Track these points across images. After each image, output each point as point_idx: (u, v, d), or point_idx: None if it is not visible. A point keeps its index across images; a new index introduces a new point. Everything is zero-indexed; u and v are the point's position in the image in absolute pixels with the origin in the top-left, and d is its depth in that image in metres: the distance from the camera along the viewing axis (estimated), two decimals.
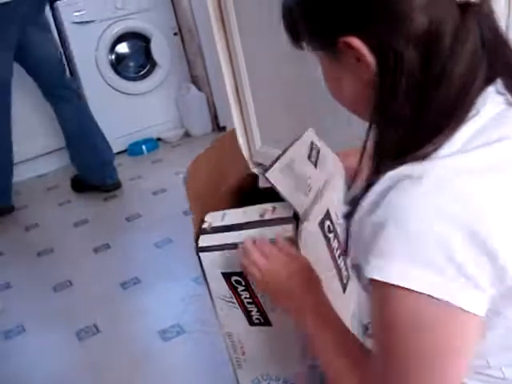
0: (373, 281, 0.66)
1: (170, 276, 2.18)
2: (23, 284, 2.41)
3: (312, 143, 1.30)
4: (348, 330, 0.90)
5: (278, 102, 2.48)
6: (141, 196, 3.07)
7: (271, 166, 1.13)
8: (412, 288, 0.63)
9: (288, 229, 1.11)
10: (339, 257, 1.25)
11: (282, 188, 1.12)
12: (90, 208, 3.05)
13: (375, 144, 0.72)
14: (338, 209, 1.31)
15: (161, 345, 1.81)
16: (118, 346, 1.88)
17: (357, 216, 0.72)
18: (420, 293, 0.63)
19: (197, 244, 1.18)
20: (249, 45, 2.54)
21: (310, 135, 1.33)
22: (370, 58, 0.68)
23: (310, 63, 1.89)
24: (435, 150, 0.66)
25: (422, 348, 0.67)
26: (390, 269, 0.65)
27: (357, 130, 0.79)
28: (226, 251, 1.15)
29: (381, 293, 0.67)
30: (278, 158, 1.17)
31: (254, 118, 2.69)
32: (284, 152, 1.23)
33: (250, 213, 1.18)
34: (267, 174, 1.10)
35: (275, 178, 1.11)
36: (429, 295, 0.63)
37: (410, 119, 0.68)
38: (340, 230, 1.29)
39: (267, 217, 1.15)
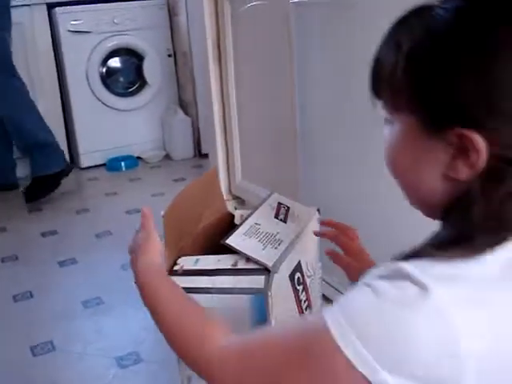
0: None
1: (135, 301, 2.12)
2: None
3: (279, 203, 1.31)
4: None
5: (263, 140, 2.48)
6: (114, 213, 3.03)
7: (230, 234, 1.15)
8: (352, 362, 0.60)
9: (259, 280, 1.11)
10: (306, 309, 1.24)
11: (245, 248, 1.13)
12: (60, 219, 2.99)
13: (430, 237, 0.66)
14: (310, 260, 1.31)
15: (116, 371, 1.77)
16: (73, 366, 1.83)
17: None
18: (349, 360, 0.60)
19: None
20: (242, 78, 2.55)
21: (275, 198, 1.35)
22: (482, 161, 0.60)
23: (302, 107, 1.90)
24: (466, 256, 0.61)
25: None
26: (349, 335, 0.61)
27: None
28: (193, 295, 1.13)
29: (320, 330, 0.63)
30: (238, 226, 1.19)
31: (238, 151, 2.68)
32: (246, 219, 1.24)
33: (224, 261, 1.17)
34: (227, 241, 1.12)
35: (235, 242, 1.14)
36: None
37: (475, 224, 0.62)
38: (310, 281, 1.28)
39: (240, 266, 1.14)
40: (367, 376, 0.59)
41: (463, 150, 0.60)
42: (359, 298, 0.63)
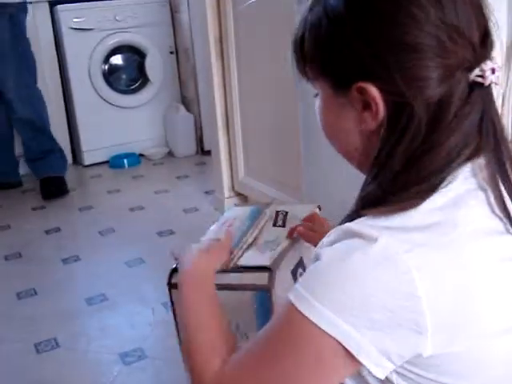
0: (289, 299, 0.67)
1: (139, 298, 2.15)
2: None
3: (277, 212, 1.31)
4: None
5: (266, 136, 2.48)
6: (117, 210, 3.04)
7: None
8: (323, 328, 0.64)
9: (263, 277, 1.11)
10: None
11: (246, 261, 1.13)
12: (63, 216, 3.00)
13: (359, 192, 0.73)
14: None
15: (120, 368, 1.78)
16: (77, 363, 1.83)
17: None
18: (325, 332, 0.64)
19: (169, 279, 1.16)
20: (245, 74, 2.55)
21: (272, 208, 1.34)
22: (381, 109, 0.68)
23: (305, 104, 1.90)
24: (400, 211, 0.66)
25: (288, 368, 0.68)
26: (311, 302, 0.65)
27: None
28: None
29: (288, 311, 0.67)
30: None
31: (241, 148, 2.69)
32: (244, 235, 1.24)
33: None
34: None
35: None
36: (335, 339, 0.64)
37: (394, 176, 0.69)
38: None
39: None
40: (335, 336, 0.63)
41: (366, 103, 0.69)
42: (314, 267, 0.67)
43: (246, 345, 0.76)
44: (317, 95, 0.78)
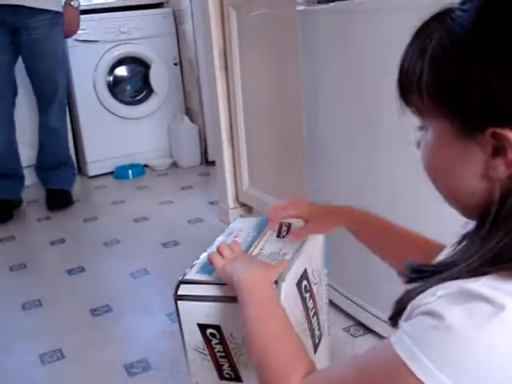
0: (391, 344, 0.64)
1: (144, 309, 2.15)
2: None
3: (281, 223, 1.32)
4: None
5: (270, 147, 2.49)
6: (121, 221, 3.04)
7: None
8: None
9: None
10: (313, 316, 1.25)
11: None
12: (68, 227, 3.01)
13: (478, 244, 0.64)
14: (316, 267, 1.31)
15: (125, 379, 1.77)
16: (82, 375, 1.83)
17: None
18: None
19: (176, 291, 1.17)
20: (249, 86, 2.56)
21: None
22: None
23: (309, 116, 1.91)
24: None
25: None
26: (429, 366, 0.60)
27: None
28: (205, 303, 1.14)
29: (394, 360, 0.63)
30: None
31: (245, 158, 2.69)
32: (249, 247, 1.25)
33: None
34: None
35: None
36: None
37: None
38: (316, 288, 1.28)
39: None
40: None
41: (500, 149, 0.60)
42: (435, 328, 0.60)
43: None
44: (422, 128, 0.70)
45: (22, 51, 3.03)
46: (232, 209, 2.80)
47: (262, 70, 2.43)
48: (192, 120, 3.94)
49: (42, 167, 3.34)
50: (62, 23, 3.07)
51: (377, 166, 1.67)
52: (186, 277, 1.18)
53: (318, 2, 1.77)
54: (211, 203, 3.09)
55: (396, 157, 1.58)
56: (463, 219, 0.73)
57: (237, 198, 2.80)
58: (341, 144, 1.81)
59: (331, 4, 1.70)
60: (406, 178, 1.56)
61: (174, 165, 3.93)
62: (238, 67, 2.57)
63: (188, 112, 4.04)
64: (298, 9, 1.86)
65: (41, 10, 2.92)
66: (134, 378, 1.77)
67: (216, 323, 1.13)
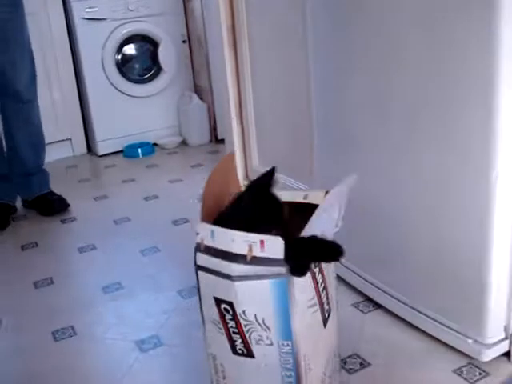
0: None
1: (154, 286, 2.16)
2: (3, 276, 2.38)
3: None
4: None
5: (280, 125, 2.48)
6: (131, 199, 3.05)
7: None
8: None
9: (281, 270, 1.12)
10: (323, 291, 1.25)
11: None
12: (78, 206, 3.02)
13: None
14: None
15: (137, 355, 1.79)
16: (94, 351, 1.85)
17: None
18: None
19: (195, 260, 1.19)
20: (258, 63, 2.55)
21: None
22: None
23: (318, 92, 1.89)
24: None
25: None
26: None
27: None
28: (219, 278, 1.15)
29: None
30: None
31: (254, 136, 2.69)
32: None
33: (238, 242, 1.15)
34: None
35: None
36: None
37: None
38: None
39: (255, 253, 1.14)
40: None
41: None
42: None
43: None
44: None
45: None
46: (242, 186, 2.80)
47: (270, 46, 2.41)
48: (201, 98, 3.92)
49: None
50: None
51: (388, 142, 1.66)
52: (197, 240, 1.19)
53: None
54: None
55: (407, 144, 1.57)
56: None
57: (247, 175, 2.79)
58: (350, 121, 1.80)
59: None
60: (414, 165, 1.56)
61: (184, 143, 3.92)
62: (246, 44, 2.56)
63: (197, 90, 4.02)
64: None
65: None
66: (145, 353, 1.79)
67: (229, 299, 1.15)
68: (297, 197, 1.36)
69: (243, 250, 1.14)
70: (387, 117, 1.63)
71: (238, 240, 1.15)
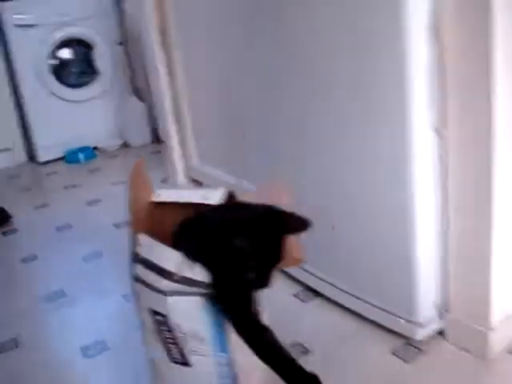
0: None
1: (98, 291, 2.16)
2: None
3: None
4: None
5: (214, 123, 2.49)
6: (74, 206, 3.03)
7: None
8: None
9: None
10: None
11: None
12: (19, 216, 2.97)
13: None
14: None
15: (82, 361, 1.79)
16: (39, 360, 1.84)
17: None
18: None
19: (132, 270, 1.20)
20: (189, 61, 2.56)
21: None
22: None
23: (247, 90, 1.92)
24: None
25: None
26: None
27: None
28: (153, 292, 1.16)
29: None
30: None
31: (191, 135, 2.70)
32: None
33: (170, 259, 1.16)
34: None
35: None
36: None
37: None
38: None
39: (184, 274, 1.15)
40: None
41: None
42: None
43: None
44: None
45: None
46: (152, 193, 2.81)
47: (201, 46, 2.43)
48: (140, 98, 3.91)
49: None
50: None
51: (310, 132, 1.70)
52: (137, 250, 1.20)
53: None
54: (163, 181, 3.09)
55: (329, 136, 1.61)
56: None
57: (187, 174, 2.81)
58: (276, 121, 1.84)
59: None
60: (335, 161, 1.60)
61: (125, 145, 3.91)
62: (177, 46, 2.57)
63: (136, 91, 4.00)
64: None
65: None
66: (91, 359, 1.79)
67: (163, 312, 1.16)
68: (194, 196, 1.31)
69: (173, 269, 1.15)
70: (309, 114, 1.67)
71: (170, 257, 1.16)
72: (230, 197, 1.27)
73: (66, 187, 3.32)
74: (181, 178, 2.81)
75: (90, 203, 3.02)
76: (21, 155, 3.87)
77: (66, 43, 3.80)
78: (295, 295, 1.91)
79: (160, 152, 3.63)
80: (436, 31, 1.31)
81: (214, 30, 2.26)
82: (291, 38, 1.66)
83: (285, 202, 1.18)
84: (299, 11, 1.58)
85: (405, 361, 1.53)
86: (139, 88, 3.96)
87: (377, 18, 1.35)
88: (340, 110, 1.56)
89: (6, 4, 3.52)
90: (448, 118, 1.37)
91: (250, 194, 1.28)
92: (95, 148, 3.86)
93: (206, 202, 1.25)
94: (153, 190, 1.36)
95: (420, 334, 1.56)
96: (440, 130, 1.38)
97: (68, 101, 3.82)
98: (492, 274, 1.41)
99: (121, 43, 3.94)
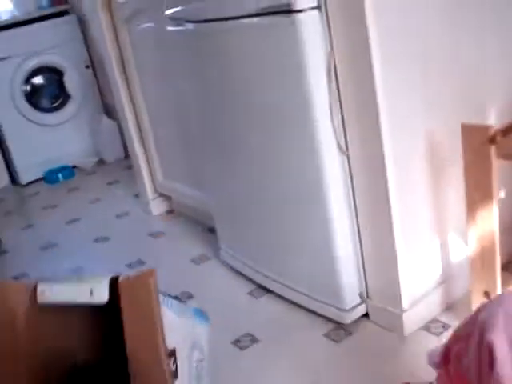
0: None
1: None
2: None
3: None
4: None
5: (175, 139, 2.75)
6: (55, 225, 3.31)
7: None
8: None
9: None
10: None
11: None
12: (8, 237, 3.24)
13: None
14: None
15: None
16: None
17: None
18: None
19: None
20: (148, 85, 2.82)
21: None
22: None
23: (200, 111, 2.19)
24: None
25: None
26: None
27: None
28: None
29: None
30: None
31: (155, 153, 2.97)
32: None
33: None
34: None
35: None
36: None
37: None
38: None
39: None
40: None
41: None
42: None
43: None
44: None
45: None
46: (153, 200, 3.10)
47: (155, 71, 2.69)
48: (111, 117, 4.19)
49: None
50: None
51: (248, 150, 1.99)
52: None
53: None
54: (136, 196, 3.37)
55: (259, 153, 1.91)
56: None
57: (155, 189, 3.08)
58: (224, 137, 2.12)
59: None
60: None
61: (101, 161, 4.19)
62: (135, 73, 2.84)
63: (108, 109, 4.28)
64: (168, 28, 2.15)
65: None
66: None
67: None
68: (81, 294, 1.27)
69: None
70: (240, 129, 1.96)
71: None
72: (114, 284, 1.27)
73: (45, 208, 3.60)
74: (149, 193, 3.09)
75: (70, 222, 3.29)
76: (3, 178, 4.15)
77: (37, 71, 4.07)
78: (249, 293, 2.20)
79: (133, 167, 3.91)
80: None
81: (163, 64, 2.54)
82: (226, 77, 1.95)
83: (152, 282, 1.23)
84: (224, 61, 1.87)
85: (335, 341, 1.84)
86: (110, 106, 4.24)
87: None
88: (263, 131, 1.84)
89: None
90: (348, 140, 1.67)
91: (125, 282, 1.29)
92: (74, 167, 4.14)
93: (93, 301, 1.25)
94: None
95: (348, 318, 1.86)
96: (343, 149, 1.68)
97: (43, 125, 4.11)
98: (398, 267, 1.71)
99: (87, 66, 4.22)
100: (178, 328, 1.36)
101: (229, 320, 2.06)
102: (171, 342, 1.28)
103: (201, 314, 1.58)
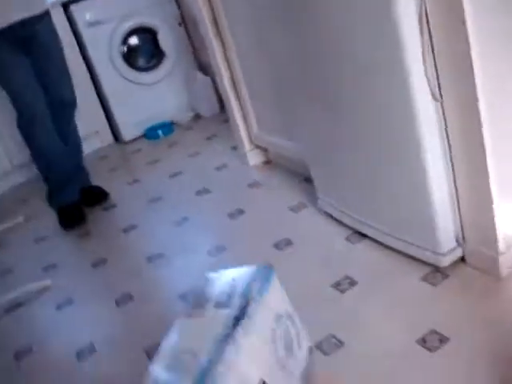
0: None
1: (190, 252, 2.60)
2: (66, 262, 2.89)
3: None
4: None
5: (268, 90, 2.82)
6: (160, 179, 3.50)
7: None
8: None
9: None
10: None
11: None
12: (115, 193, 3.47)
13: None
14: None
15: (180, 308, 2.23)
16: (150, 311, 2.30)
17: None
18: None
19: None
20: (240, 38, 2.89)
21: None
22: None
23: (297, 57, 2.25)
24: None
25: None
26: None
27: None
28: None
29: None
30: None
31: (250, 106, 3.06)
32: None
33: None
34: None
35: None
36: None
37: None
38: None
39: None
40: None
41: None
42: None
43: None
44: None
45: (35, 59, 3.05)
46: (249, 151, 3.20)
47: (247, 28, 2.75)
48: (205, 72, 4.31)
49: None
50: None
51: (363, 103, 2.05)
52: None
53: None
54: (233, 148, 3.48)
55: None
56: None
57: (251, 141, 3.19)
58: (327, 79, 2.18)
59: None
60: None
61: (198, 116, 4.34)
62: (227, 30, 2.92)
63: (201, 65, 4.41)
64: None
65: (43, 12, 3.03)
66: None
67: None
68: None
69: None
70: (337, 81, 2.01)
71: None
72: None
73: (149, 163, 3.80)
74: (246, 145, 3.20)
75: (172, 176, 3.46)
76: (108, 137, 4.39)
77: (132, 33, 4.24)
78: (346, 238, 2.29)
79: (228, 121, 4.04)
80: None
81: (254, 18, 2.60)
82: (317, 27, 2.00)
83: None
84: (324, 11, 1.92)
85: (432, 284, 1.90)
86: (203, 63, 4.36)
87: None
88: (356, 81, 1.90)
89: (75, 6, 4.01)
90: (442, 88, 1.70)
91: None
92: (172, 123, 4.31)
93: None
94: None
95: (444, 262, 1.91)
96: (437, 97, 1.71)
97: (141, 84, 4.29)
98: (494, 210, 1.74)
99: (180, 24, 4.34)
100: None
101: (327, 264, 2.17)
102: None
103: (266, 272, 1.63)
